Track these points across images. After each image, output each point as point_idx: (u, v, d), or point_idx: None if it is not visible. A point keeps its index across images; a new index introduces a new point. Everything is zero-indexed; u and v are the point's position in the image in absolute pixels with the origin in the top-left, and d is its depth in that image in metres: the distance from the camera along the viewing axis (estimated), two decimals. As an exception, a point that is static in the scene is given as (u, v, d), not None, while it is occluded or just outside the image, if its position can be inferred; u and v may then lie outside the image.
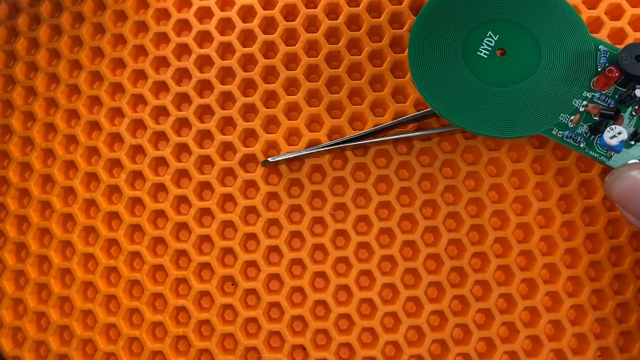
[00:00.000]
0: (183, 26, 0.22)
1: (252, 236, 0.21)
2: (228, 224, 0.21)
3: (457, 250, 0.21)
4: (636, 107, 0.18)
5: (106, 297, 0.21)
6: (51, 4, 0.22)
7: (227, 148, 0.22)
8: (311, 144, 0.21)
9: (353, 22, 0.22)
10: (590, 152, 0.18)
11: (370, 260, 0.20)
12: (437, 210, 0.21)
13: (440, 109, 0.19)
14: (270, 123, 0.22)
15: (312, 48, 0.22)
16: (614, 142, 0.18)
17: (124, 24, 0.22)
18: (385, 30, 0.22)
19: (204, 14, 0.22)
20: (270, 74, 0.22)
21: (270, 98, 0.22)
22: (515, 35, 0.19)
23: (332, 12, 0.22)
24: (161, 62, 0.22)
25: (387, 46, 0.22)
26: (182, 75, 0.22)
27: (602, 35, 0.22)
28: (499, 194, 0.21)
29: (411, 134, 0.21)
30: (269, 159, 0.20)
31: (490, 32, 0.19)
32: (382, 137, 0.21)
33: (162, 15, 0.22)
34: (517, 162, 0.21)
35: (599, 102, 0.19)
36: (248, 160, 0.22)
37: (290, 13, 0.22)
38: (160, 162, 0.22)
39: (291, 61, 0.22)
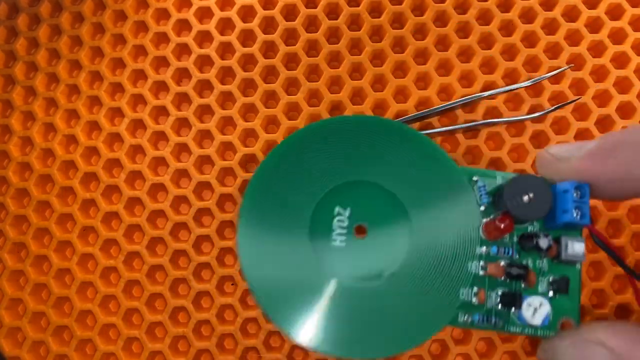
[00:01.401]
0: (183, 26, 0.22)
1: (251, 236, 0.21)
2: (228, 224, 0.21)
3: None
4: (543, 254, 0.15)
5: (105, 297, 0.21)
6: (51, 3, 0.22)
7: (227, 148, 0.22)
8: (311, 143, 0.21)
9: (353, 22, 0.22)
10: (512, 329, 0.15)
11: (370, 261, 0.20)
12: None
13: (285, 325, 0.14)
14: (270, 123, 0.22)
15: (312, 48, 0.22)
16: (537, 319, 0.15)
17: (124, 23, 0.22)
18: (385, 31, 0.22)
19: (204, 13, 0.22)
20: (270, 74, 0.22)
21: (270, 98, 0.22)
22: (370, 203, 0.15)
23: (332, 12, 0.22)
24: (161, 62, 0.22)
25: (388, 46, 0.22)
26: (182, 75, 0.22)
27: (602, 35, 0.22)
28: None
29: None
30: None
31: (338, 208, 0.15)
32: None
33: (162, 15, 0.22)
34: (517, 162, 0.21)
35: (498, 257, 0.15)
36: (248, 160, 0.22)
37: (290, 13, 0.22)
38: (159, 162, 0.22)
39: (291, 61, 0.22)
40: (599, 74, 0.22)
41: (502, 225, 0.15)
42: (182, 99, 0.22)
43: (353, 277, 0.14)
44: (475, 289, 0.15)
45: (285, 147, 0.15)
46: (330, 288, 0.14)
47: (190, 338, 0.20)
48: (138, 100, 0.22)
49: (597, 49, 0.22)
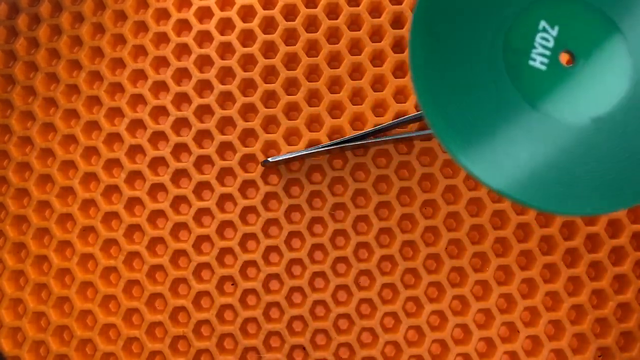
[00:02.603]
0: (183, 26, 0.22)
1: (251, 236, 0.21)
2: (227, 224, 0.21)
3: (457, 250, 0.21)
4: None
5: (106, 297, 0.21)
6: (51, 4, 0.22)
7: (226, 148, 0.22)
8: (311, 144, 0.21)
9: (353, 23, 0.22)
10: None
11: (370, 260, 0.20)
12: (437, 210, 0.21)
13: (468, 162, 0.11)
14: (270, 123, 0.22)
15: (312, 48, 0.22)
16: None
17: (124, 23, 0.22)
18: (385, 31, 0.22)
19: (204, 13, 0.22)
20: (270, 74, 0.22)
21: (270, 98, 0.22)
22: (585, 26, 0.11)
23: (332, 12, 0.22)
24: (161, 62, 0.22)
25: (388, 46, 0.22)
26: (182, 75, 0.22)
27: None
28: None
29: (412, 134, 0.21)
30: (269, 159, 0.20)
31: (543, 23, 0.11)
32: (383, 137, 0.21)
33: (162, 15, 0.22)
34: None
35: None
36: (247, 160, 0.22)
37: (290, 13, 0.22)
38: (159, 162, 0.22)
39: (291, 61, 0.22)
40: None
41: None
42: (182, 99, 0.22)
43: (552, 111, 0.11)
44: None
45: None
46: (523, 117, 0.11)
47: (190, 338, 0.20)
48: (138, 100, 0.22)
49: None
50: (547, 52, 0.11)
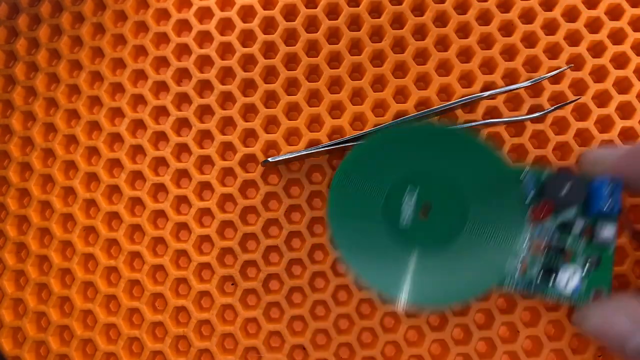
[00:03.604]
0: (183, 26, 0.22)
1: (251, 236, 0.21)
2: (228, 224, 0.21)
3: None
4: (582, 234, 0.18)
5: (106, 297, 0.21)
6: (51, 4, 0.22)
7: (227, 148, 0.22)
8: (311, 144, 0.21)
9: (353, 23, 0.22)
10: (550, 297, 0.18)
11: (370, 260, 0.20)
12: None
13: (370, 280, 0.17)
14: (270, 123, 0.22)
15: (312, 48, 0.22)
16: (570, 287, 0.18)
17: (124, 24, 0.22)
18: (385, 31, 0.22)
19: (204, 14, 0.22)
20: (270, 74, 0.22)
21: (270, 98, 0.22)
22: (435, 189, 0.18)
23: (332, 12, 0.22)
24: (161, 62, 0.22)
25: (388, 46, 0.22)
26: (182, 75, 0.22)
27: (602, 35, 0.22)
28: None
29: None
30: (269, 159, 0.20)
31: (408, 191, 0.18)
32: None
33: (162, 15, 0.22)
34: (517, 161, 0.21)
35: (540, 238, 0.18)
36: (248, 160, 0.22)
37: (290, 13, 0.22)
38: (160, 162, 0.22)
39: (291, 61, 0.22)
40: (599, 74, 0.22)
41: (543, 211, 0.18)
42: (183, 99, 0.22)
43: (421, 248, 0.17)
44: (519, 261, 0.18)
45: (360, 151, 0.18)
46: (409, 258, 0.18)
47: (191, 338, 0.20)
48: (138, 100, 0.22)
49: (596, 49, 0.22)
50: (410, 212, 0.17)
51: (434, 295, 0.17)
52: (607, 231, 0.18)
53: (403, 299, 0.17)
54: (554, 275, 0.18)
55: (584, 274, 0.18)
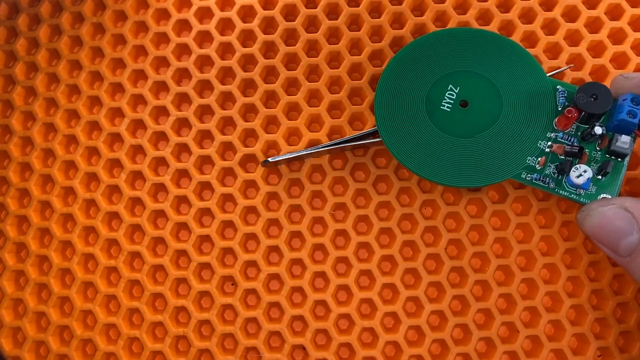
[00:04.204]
0: (183, 26, 0.22)
1: (252, 236, 0.21)
2: (228, 224, 0.21)
3: (457, 250, 0.21)
4: (598, 143, 0.19)
5: (106, 297, 0.21)
6: (51, 4, 0.22)
7: (227, 148, 0.22)
8: (311, 144, 0.21)
9: (353, 22, 0.22)
10: (561, 192, 0.19)
11: (370, 260, 0.20)
12: (437, 210, 0.21)
13: (407, 162, 0.19)
14: (270, 123, 0.22)
15: (312, 48, 0.22)
16: (580, 181, 0.19)
17: (124, 24, 0.22)
18: (385, 31, 0.22)
19: (204, 14, 0.22)
20: (270, 74, 0.22)
21: (270, 98, 0.22)
22: (475, 85, 0.20)
23: (332, 12, 0.22)
24: (161, 62, 0.22)
25: (387, 46, 0.22)
26: (182, 75, 0.22)
27: (602, 35, 0.22)
28: (499, 194, 0.21)
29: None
30: (269, 159, 0.20)
31: (451, 85, 0.20)
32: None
33: (162, 15, 0.22)
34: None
35: (562, 141, 0.19)
36: (248, 160, 0.22)
37: (290, 13, 0.22)
38: (160, 162, 0.22)
39: (291, 61, 0.22)
40: (599, 74, 0.22)
41: (570, 115, 0.19)
42: (182, 99, 0.22)
43: (455, 133, 0.20)
44: (539, 156, 0.19)
45: (409, 49, 0.21)
46: (440, 139, 0.20)
47: (191, 338, 0.20)
48: (138, 100, 0.22)
49: (596, 49, 0.22)
50: (451, 102, 0.20)
51: (466, 177, 0.19)
52: (623, 140, 0.18)
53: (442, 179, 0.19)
54: (568, 173, 0.19)
55: (595, 177, 0.19)
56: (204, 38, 0.22)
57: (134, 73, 0.22)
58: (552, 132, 0.19)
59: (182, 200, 0.21)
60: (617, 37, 0.22)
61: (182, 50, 0.22)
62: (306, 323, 0.20)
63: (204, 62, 0.22)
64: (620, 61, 0.22)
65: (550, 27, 0.22)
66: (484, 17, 0.22)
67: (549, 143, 0.19)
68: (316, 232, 0.21)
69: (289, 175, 0.21)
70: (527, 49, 0.22)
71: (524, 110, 0.19)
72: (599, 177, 0.19)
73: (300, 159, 0.21)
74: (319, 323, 0.20)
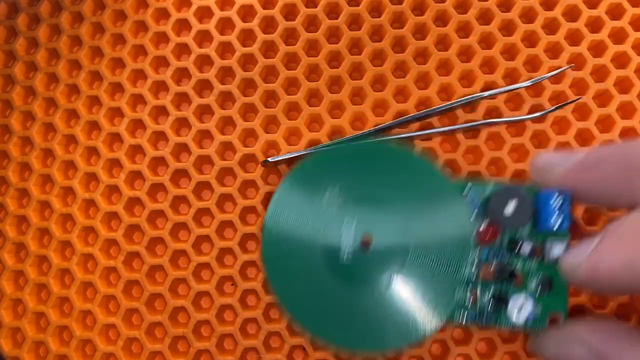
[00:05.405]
0: (182, 26, 0.22)
1: (251, 236, 0.21)
2: (227, 224, 0.21)
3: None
4: (530, 257, 0.17)
5: (105, 298, 0.21)
6: (51, 3, 0.22)
7: (226, 148, 0.21)
8: (311, 144, 0.21)
9: (353, 22, 0.22)
10: (504, 327, 0.17)
11: (370, 261, 0.20)
12: (437, 210, 0.21)
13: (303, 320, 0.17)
14: (270, 123, 0.22)
15: (312, 48, 0.22)
16: (521, 318, 0.17)
17: (124, 23, 0.22)
18: (385, 31, 0.22)
19: (204, 13, 0.22)
20: (270, 73, 0.22)
21: (270, 98, 0.22)
22: (377, 217, 0.17)
23: (332, 12, 0.22)
24: (161, 62, 0.22)
25: (388, 46, 0.22)
26: (182, 75, 0.22)
27: (603, 34, 0.22)
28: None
29: (412, 134, 0.21)
30: (269, 159, 0.20)
31: (346, 223, 0.17)
32: (383, 137, 0.21)
33: (162, 14, 0.22)
34: (517, 162, 0.21)
35: (489, 260, 0.17)
36: (248, 160, 0.21)
37: (290, 13, 0.22)
38: (159, 162, 0.22)
39: (291, 61, 0.22)
40: (600, 73, 0.22)
41: (489, 234, 0.17)
42: (182, 99, 0.22)
43: (359, 280, 0.17)
44: (468, 290, 0.17)
45: (297, 174, 0.18)
46: (340, 289, 0.17)
47: (190, 338, 0.20)
48: (138, 100, 0.22)
49: (597, 49, 0.22)
50: (349, 246, 0.17)
51: (380, 338, 0.16)
52: (557, 249, 0.17)
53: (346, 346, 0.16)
54: (506, 303, 0.17)
55: (537, 297, 0.17)
56: (204, 37, 0.22)
57: (133, 73, 0.22)
58: (474, 252, 0.17)
59: (182, 200, 0.21)
60: (618, 36, 0.22)
61: (182, 49, 0.22)
62: (306, 323, 0.20)
63: (204, 62, 0.22)
64: (621, 61, 0.22)
65: (550, 27, 0.22)
66: (485, 16, 0.22)
67: (474, 267, 0.17)
68: (316, 232, 0.21)
69: (289, 175, 0.21)
70: (528, 49, 0.22)
71: (435, 232, 0.16)
72: (539, 292, 0.17)
73: (300, 159, 0.21)
74: (319, 323, 0.20)
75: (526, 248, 0.17)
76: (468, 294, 0.17)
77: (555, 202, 0.16)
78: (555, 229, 0.16)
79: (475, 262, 0.17)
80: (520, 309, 0.17)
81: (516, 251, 0.17)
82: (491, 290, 0.17)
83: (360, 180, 0.17)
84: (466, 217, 0.17)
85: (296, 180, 0.17)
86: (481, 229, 0.17)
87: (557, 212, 0.16)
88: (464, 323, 0.17)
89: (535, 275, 0.17)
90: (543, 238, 0.17)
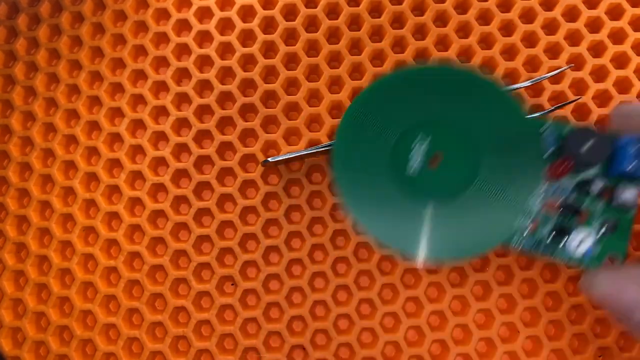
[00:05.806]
0: (183, 26, 0.22)
1: (251, 236, 0.21)
2: (227, 224, 0.21)
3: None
4: (599, 196, 0.17)
5: (106, 297, 0.21)
6: (51, 3, 0.22)
7: (226, 148, 0.22)
8: (311, 144, 0.21)
9: (353, 22, 0.22)
10: (559, 259, 0.17)
11: (370, 260, 0.20)
12: (437, 210, 0.21)
13: (378, 234, 0.16)
14: (270, 123, 0.22)
15: (312, 48, 0.22)
16: (581, 250, 0.17)
17: (124, 23, 0.22)
18: (385, 30, 0.22)
19: (204, 13, 0.22)
20: (270, 73, 0.22)
21: (269, 98, 0.22)
22: (447, 138, 0.17)
23: (332, 12, 0.22)
24: (161, 62, 0.22)
25: (388, 46, 0.22)
26: (182, 75, 0.22)
27: (602, 35, 0.22)
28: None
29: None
30: (269, 159, 0.20)
31: (419, 139, 0.17)
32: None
33: (162, 15, 0.22)
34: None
35: (556, 196, 0.17)
36: (247, 160, 0.22)
37: (290, 13, 0.22)
38: (159, 162, 0.22)
39: (291, 61, 0.22)
40: (599, 74, 0.22)
41: (561, 168, 0.17)
42: (182, 99, 0.22)
43: (430, 199, 0.17)
44: (530, 219, 0.17)
45: (370, 93, 0.17)
46: (414, 208, 0.17)
47: (191, 338, 0.20)
48: (138, 100, 0.22)
49: (597, 49, 0.22)
50: (419, 162, 0.17)
51: (446, 249, 0.16)
52: (629, 194, 0.17)
53: (419, 254, 0.16)
54: (566, 236, 0.17)
55: (598, 237, 0.17)
56: (204, 38, 0.22)
57: (133, 73, 0.22)
58: (541, 186, 0.17)
59: (182, 200, 0.21)
60: (617, 37, 0.22)
61: (182, 50, 0.22)
62: (306, 323, 0.20)
63: (204, 62, 0.22)
64: (620, 61, 0.22)
65: (550, 27, 0.22)
66: (484, 16, 0.22)
67: (540, 199, 0.17)
68: (316, 232, 0.21)
69: (289, 175, 0.21)
70: (527, 49, 0.22)
71: (507, 162, 0.16)
72: (603, 234, 0.17)
73: (299, 159, 0.21)
74: (319, 323, 0.20)
75: (597, 186, 0.17)
76: (529, 223, 0.17)
77: (634, 148, 0.16)
78: (629, 172, 0.16)
79: (542, 195, 0.17)
80: (580, 242, 0.17)
81: (587, 189, 0.17)
82: (553, 223, 0.17)
83: (437, 103, 0.17)
84: (540, 152, 0.16)
85: (372, 94, 0.17)
86: (554, 164, 0.17)
87: (633, 157, 0.16)
88: (520, 248, 0.17)
89: (601, 215, 0.17)
90: (615, 183, 0.17)
